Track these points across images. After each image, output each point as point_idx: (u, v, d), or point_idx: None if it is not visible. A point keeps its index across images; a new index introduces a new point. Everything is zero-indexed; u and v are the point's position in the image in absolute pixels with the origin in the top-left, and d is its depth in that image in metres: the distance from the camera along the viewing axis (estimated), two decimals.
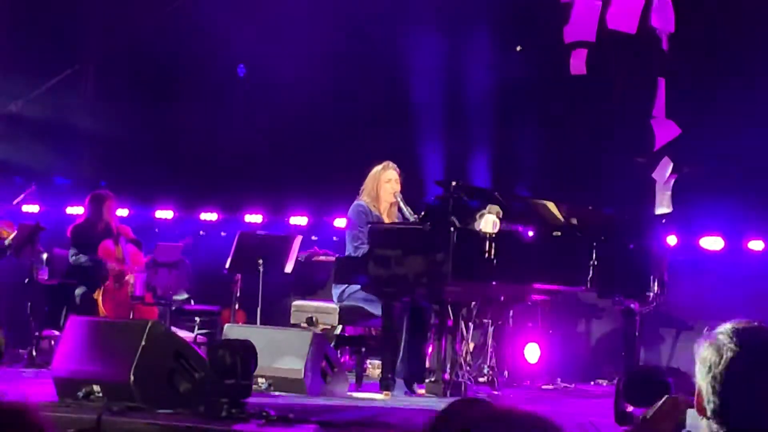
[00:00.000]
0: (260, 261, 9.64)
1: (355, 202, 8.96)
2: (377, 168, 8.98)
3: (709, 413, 2.45)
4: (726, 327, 2.47)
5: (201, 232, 12.19)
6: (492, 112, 11.67)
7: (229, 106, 12.58)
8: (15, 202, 11.43)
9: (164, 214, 12.84)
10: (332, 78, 11.99)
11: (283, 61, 11.97)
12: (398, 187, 8.90)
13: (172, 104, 12.58)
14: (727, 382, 2.42)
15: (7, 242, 9.80)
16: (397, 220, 8.92)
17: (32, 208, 12.35)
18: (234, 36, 12.02)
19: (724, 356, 2.42)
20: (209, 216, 12.71)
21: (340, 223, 11.53)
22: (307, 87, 11.87)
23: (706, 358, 2.45)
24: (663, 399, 3.25)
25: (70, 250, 10.44)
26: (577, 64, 10.80)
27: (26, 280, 10.10)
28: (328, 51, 11.90)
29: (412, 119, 11.69)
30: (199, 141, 12.56)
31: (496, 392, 8.70)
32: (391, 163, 8.97)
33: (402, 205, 8.87)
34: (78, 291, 10.20)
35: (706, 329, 2.51)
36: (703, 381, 2.44)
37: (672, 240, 10.76)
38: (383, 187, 8.89)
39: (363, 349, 8.96)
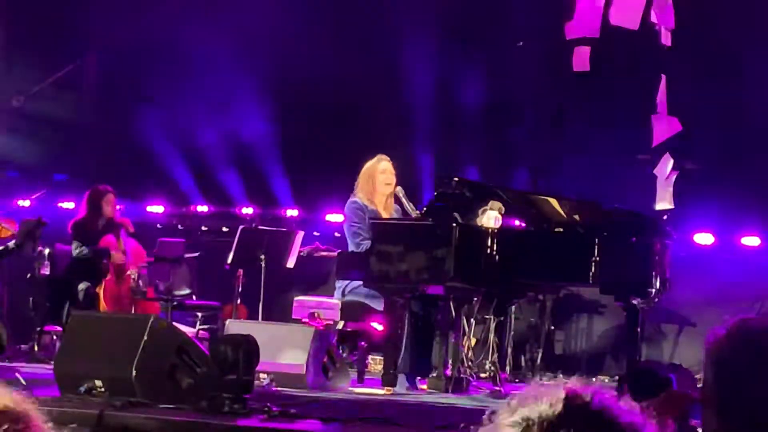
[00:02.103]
0: (262, 256, 9.64)
1: (350, 200, 8.95)
2: (371, 162, 8.98)
3: (711, 405, 2.48)
4: (731, 322, 2.49)
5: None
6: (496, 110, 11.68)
7: (240, 101, 12.56)
8: (26, 202, 11.46)
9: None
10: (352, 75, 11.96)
11: (299, 54, 11.97)
12: (393, 179, 8.90)
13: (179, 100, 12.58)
14: (724, 374, 2.45)
15: (11, 245, 9.80)
16: (394, 213, 8.92)
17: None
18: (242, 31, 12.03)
19: (722, 349, 2.45)
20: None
21: None
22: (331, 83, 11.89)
23: (709, 350, 2.48)
24: (665, 393, 3.26)
25: (73, 244, 10.46)
26: (580, 60, 10.79)
27: (28, 276, 10.10)
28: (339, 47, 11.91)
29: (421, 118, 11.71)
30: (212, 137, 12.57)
31: (497, 388, 8.69)
32: (384, 156, 8.97)
33: (404, 200, 8.86)
34: (81, 286, 10.21)
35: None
36: (707, 373, 2.48)
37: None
38: (378, 178, 8.89)
39: (365, 345, 8.96)
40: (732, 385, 2.45)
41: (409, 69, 11.66)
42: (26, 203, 12.36)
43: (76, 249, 10.42)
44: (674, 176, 10.80)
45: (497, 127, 11.74)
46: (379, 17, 11.90)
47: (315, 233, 11.57)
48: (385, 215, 8.85)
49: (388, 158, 8.98)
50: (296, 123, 12.14)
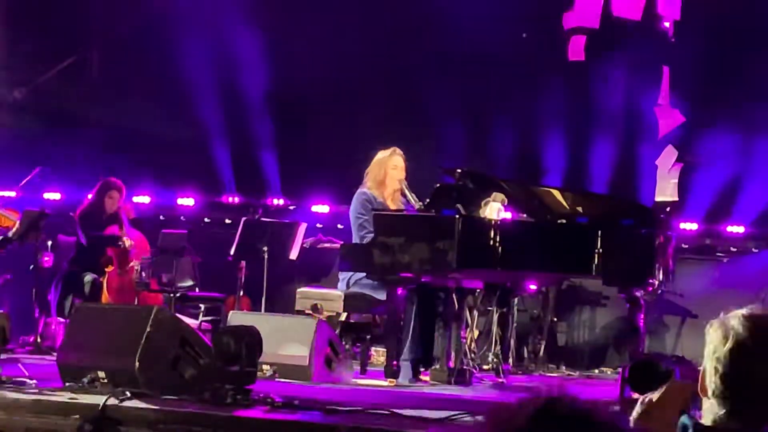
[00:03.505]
0: (265, 248, 9.64)
1: (359, 191, 8.94)
2: (384, 154, 8.96)
3: (709, 393, 2.49)
4: (738, 312, 2.50)
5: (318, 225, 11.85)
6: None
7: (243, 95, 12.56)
8: (21, 184, 11.43)
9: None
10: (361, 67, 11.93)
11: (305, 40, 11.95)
12: (404, 174, 8.89)
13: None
14: (730, 365, 2.45)
15: (10, 234, 9.79)
16: (401, 206, 8.91)
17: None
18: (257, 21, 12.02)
19: (730, 339, 2.46)
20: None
21: None
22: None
23: (712, 339, 2.49)
24: (668, 384, 3.26)
25: (80, 233, 10.52)
26: (576, 50, 10.80)
27: (31, 267, 10.11)
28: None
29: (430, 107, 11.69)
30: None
31: (500, 380, 8.70)
32: (397, 149, 8.95)
33: (407, 191, 8.85)
34: (87, 278, 10.22)
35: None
36: (707, 361, 2.48)
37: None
38: (389, 173, 8.87)
39: (368, 336, 8.96)
40: (727, 373, 2.46)
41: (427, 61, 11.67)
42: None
43: (84, 236, 10.50)
44: (678, 168, 10.82)
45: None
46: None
47: (318, 225, 11.56)
48: (392, 207, 8.84)
49: (401, 152, 8.96)
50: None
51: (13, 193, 11.83)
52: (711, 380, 2.49)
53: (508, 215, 8.81)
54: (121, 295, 10.23)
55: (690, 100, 10.92)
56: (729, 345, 2.46)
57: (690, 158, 10.99)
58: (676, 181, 10.81)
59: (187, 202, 12.70)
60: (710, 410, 2.50)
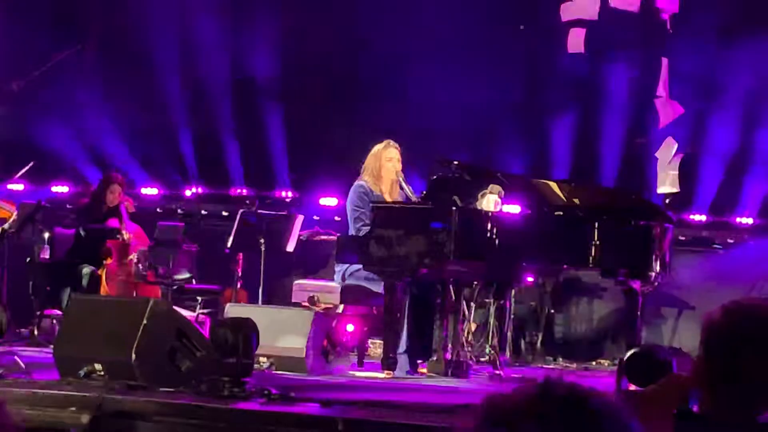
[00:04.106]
0: (262, 240, 9.63)
1: (356, 183, 8.93)
2: (378, 147, 8.96)
3: (701, 382, 2.51)
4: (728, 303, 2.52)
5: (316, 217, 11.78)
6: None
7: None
8: (16, 176, 11.41)
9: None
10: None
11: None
12: (399, 166, 8.88)
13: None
14: (712, 353, 2.47)
15: (7, 225, 9.78)
16: (399, 198, 8.91)
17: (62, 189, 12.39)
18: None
19: (712, 328, 2.48)
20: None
21: None
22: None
23: (705, 328, 2.51)
24: (666, 377, 3.28)
25: (79, 228, 10.52)
26: (575, 42, 10.79)
27: (28, 259, 10.09)
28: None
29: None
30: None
31: (497, 372, 8.70)
32: (392, 142, 8.94)
33: (403, 184, 8.85)
34: (85, 270, 10.21)
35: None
36: (699, 350, 2.51)
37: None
38: (385, 165, 8.86)
39: (365, 329, 8.96)
40: (726, 362, 2.47)
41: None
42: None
43: (81, 231, 10.49)
44: (678, 160, 10.81)
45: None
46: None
47: (315, 217, 11.54)
48: (390, 200, 8.84)
49: (396, 144, 8.95)
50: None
51: (15, 186, 11.83)
52: (701, 369, 2.50)
53: (506, 207, 8.81)
54: (119, 287, 10.23)
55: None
56: (710, 333, 2.48)
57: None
58: (676, 172, 10.81)
59: (191, 193, 12.71)
60: (703, 399, 2.52)
